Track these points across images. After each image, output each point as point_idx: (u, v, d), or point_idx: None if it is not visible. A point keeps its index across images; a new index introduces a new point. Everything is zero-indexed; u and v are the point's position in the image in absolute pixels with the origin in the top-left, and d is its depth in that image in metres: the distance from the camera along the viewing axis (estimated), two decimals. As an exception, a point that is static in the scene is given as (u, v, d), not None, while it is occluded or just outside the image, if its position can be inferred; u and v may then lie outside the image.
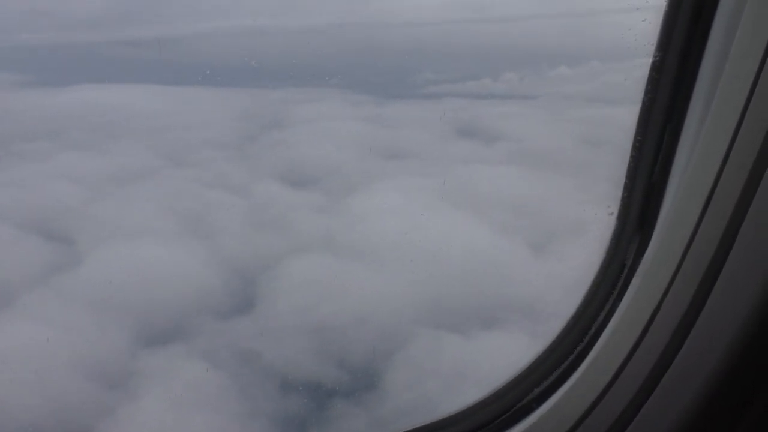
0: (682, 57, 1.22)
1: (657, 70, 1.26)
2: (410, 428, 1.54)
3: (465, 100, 52.96)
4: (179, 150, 31.54)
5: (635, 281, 1.29)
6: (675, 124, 1.25)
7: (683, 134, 1.24)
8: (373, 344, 12.81)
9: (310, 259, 16.21)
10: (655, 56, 1.25)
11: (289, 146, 32.64)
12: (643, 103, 1.33)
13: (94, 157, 28.30)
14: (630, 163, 1.39)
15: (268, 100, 49.89)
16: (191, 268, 16.61)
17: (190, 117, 43.49)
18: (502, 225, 18.22)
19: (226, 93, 54.22)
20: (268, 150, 32.13)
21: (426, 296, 14.23)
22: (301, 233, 18.47)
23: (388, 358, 12.28)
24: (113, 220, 19.30)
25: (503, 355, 11.76)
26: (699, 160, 1.07)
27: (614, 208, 1.45)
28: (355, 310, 13.87)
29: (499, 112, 40.35)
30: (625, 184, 1.41)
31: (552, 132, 32.05)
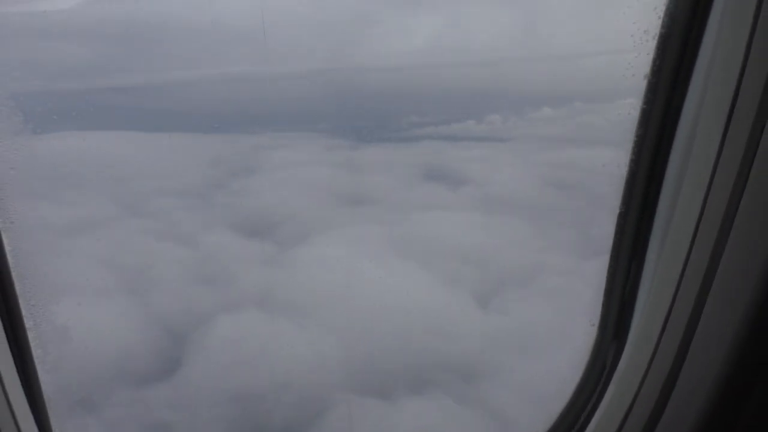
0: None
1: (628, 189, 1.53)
2: None
3: (442, 143, 52.89)
4: (140, 199, 30.97)
5: (612, 384, 1.61)
6: (639, 259, 1.52)
7: (646, 265, 1.50)
8: (292, 413, 11.84)
9: (244, 317, 15.33)
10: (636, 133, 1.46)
11: (252, 193, 32.11)
12: (615, 238, 1.60)
13: (46, 207, 27.55)
14: (606, 286, 1.68)
15: (242, 147, 49.68)
16: (117, 328, 15.67)
17: (161, 164, 43.06)
18: (451, 276, 17.45)
19: (203, 140, 53.97)
20: (230, 198, 31.56)
21: (356, 357, 13.32)
22: (240, 287, 17.62)
23: (304, 428, 11.31)
24: (44, 274, 18.40)
25: (425, 423, 10.87)
26: (657, 285, 1.34)
27: (595, 321, 1.73)
28: (279, 374, 12.95)
29: (472, 155, 40.09)
30: (603, 301, 1.71)
31: (519, 175, 31.63)
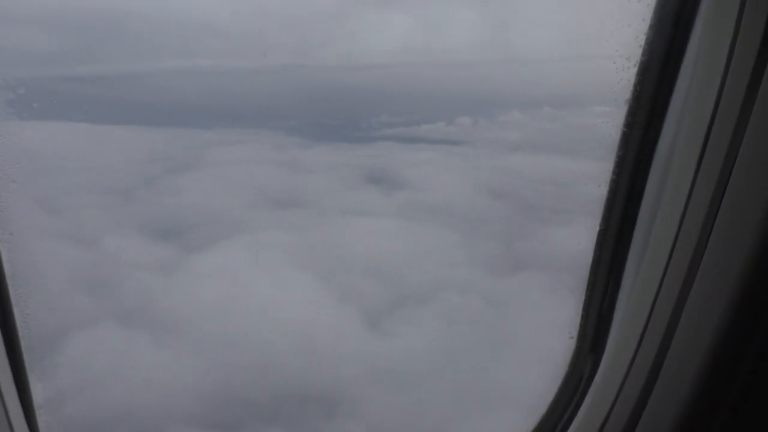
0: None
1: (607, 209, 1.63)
2: None
3: (399, 144, 51.63)
4: (58, 194, 29.27)
5: (589, 395, 1.70)
6: (616, 276, 1.60)
7: (623, 280, 1.58)
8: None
9: (100, 332, 13.80)
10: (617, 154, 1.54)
11: (180, 192, 30.49)
12: (594, 253, 1.66)
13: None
14: (585, 300, 1.73)
15: (192, 141, 48.01)
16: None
17: (99, 158, 41.20)
18: (348, 291, 16.12)
19: (155, 133, 52.20)
20: (155, 196, 29.93)
21: (212, 383, 11.90)
22: (122, 296, 16.08)
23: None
24: None
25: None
26: (635, 299, 1.40)
27: (574, 332, 1.78)
28: (125, 401, 11.48)
29: (424, 158, 38.90)
30: (582, 314, 1.75)
31: (461, 181, 30.46)
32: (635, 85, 1.44)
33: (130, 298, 15.72)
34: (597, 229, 1.68)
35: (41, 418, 2.28)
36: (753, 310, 1.01)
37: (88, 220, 24.61)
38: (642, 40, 1.41)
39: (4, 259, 1.97)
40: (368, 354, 13.26)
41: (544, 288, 16.42)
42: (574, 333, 1.81)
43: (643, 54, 1.41)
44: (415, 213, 24.81)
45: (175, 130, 56.36)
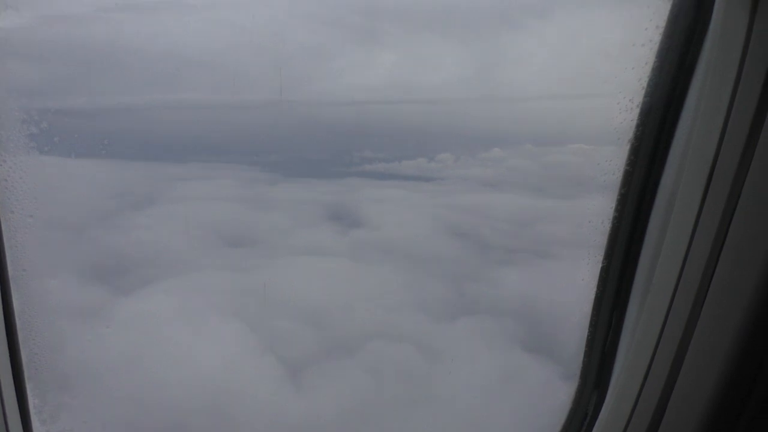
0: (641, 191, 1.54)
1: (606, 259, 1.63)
2: None
3: (368, 181, 51.08)
4: (9, 232, 28.06)
5: (595, 430, 1.66)
6: (620, 313, 1.61)
7: (626, 317, 1.59)
8: None
9: None
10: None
11: (133, 229, 29.55)
12: (597, 290, 1.67)
13: None
14: (588, 336, 1.74)
15: (159, 176, 47.22)
16: None
17: (58, 193, 40.18)
18: (274, 340, 15.13)
19: (122, 167, 51.35)
20: (107, 233, 28.94)
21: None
22: (30, 344, 14.94)
23: None
24: None
25: None
26: (639, 336, 1.39)
27: (577, 370, 1.78)
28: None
29: (388, 195, 38.30)
30: (585, 351, 1.77)
31: (421, 220, 29.73)
32: (637, 126, 1.46)
33: (37, 347, 14.64)
34: (599, 265, 1.65)
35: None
36: (760, 345, 1.01)
37: (28, 258, 23.43)
38: (645, 82, 1.44)
39: None
40: (281, 412, 12.23)
41: (482, 335, 15.55)
42: (578, 370, 1.79)
43: (646, 95, 1.44)
44: (367, 253, 23.99)
45: (147, 164, 55.66)
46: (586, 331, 1.77)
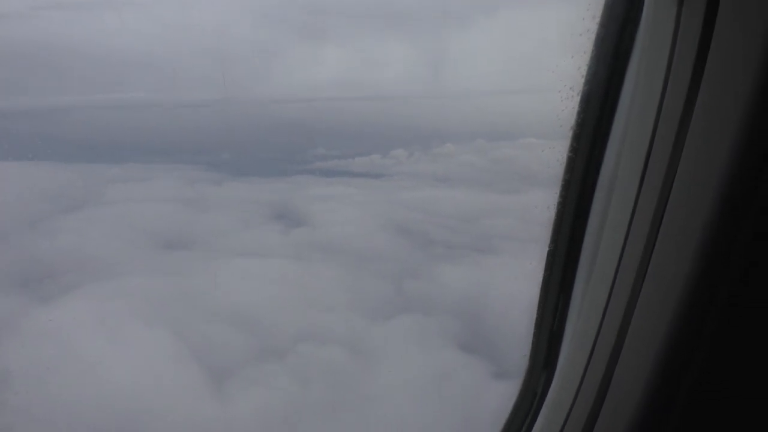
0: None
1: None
2: None
3: (315, 179, 50.38)
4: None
5: (543, 410, 1.78)
6: (566, 294, 1.69)
7: (572, 299, 1.67)
8: None
9: None
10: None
11: (63, 233, 28.08)
12: (544, 273, 1.72)
13: None
14: (536, 318, 1.78)
15: (98, 178, 45.29)
16: None
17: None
18: (202, 345, 14.43)
19: (60, 169, 49.05)
20: (33, 239, 27.40)
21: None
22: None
23: None
24: None
25: None
26: (583, 316, 1.47)
27: (526, 351, 1.85)
28: None
29: (335, 193, 37.75)
30: (534, 332, 1.81)
31: (366, 217, 29.31)
32: (578, 113, 1.53)
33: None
34: (545, 249, 1.73)
35: None
36: (696, 322, 1.09)
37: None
38: (584, 70, 1.50)
39: None
40: (203, 421, 11.59)
41: (416, 333, 15.25)
42: (527, 352, 1.89)
43: (586, 83, 1.50)
44: (307, 253, 23.42)
45: (86, 166, 53.38)
46: (535, 313, 1.84)
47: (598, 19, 1.46)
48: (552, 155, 1.64)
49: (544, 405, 1.80)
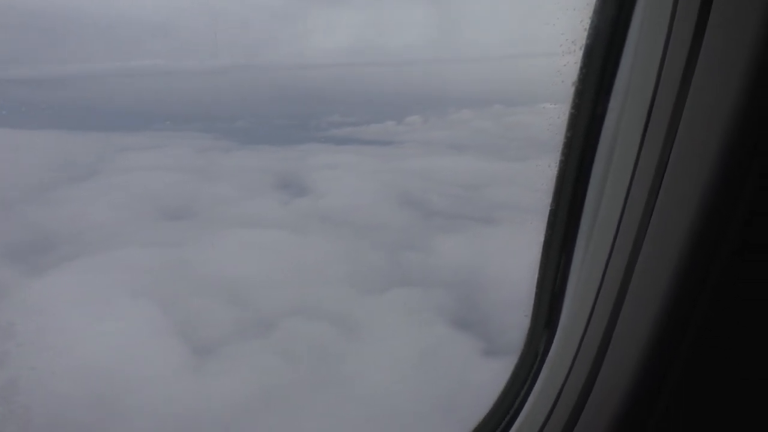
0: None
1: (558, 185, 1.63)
2: None
3: (324, 146, 49.82)
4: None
5: (545, 368, 1.78)
6: (567, 253, 1.66)
7: (574, 257, 1.64)
8: None
9: None
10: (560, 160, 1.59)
11: (69, 202, 28.05)
12: (546, 233, 1.70)
13: None
14: (538, 278, 1.77)
15: (109, 146, 45.27)
16: None
17: (5, 165, 38.16)
18: (187, 321, 14.22)
19: (70, 137, 49.20)
20: (36, 209, 27.40)
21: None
22: None
23: None
24: None
25: None
26: (584, 275, 1.49)
27: (528, 311, 1.84)
28: None
29: (343, 161, 37.18)
30: (535, 292, 1.81)
31: (371, 186, 28.76)
32: (581, 68, 1.48)
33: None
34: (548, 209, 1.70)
35: None
36: (699, 272, 1.06)
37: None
38: (587, 23, 1.45)
39: None
40: (182, 399, 11.40)
41: (408, 307, 14.83)
42: (529, 312, 1.87)
43: (588, 37, 1.46)
44: (307, 223, 23.03)
45: (97, 134, 53.44)
46: (536, 273, 1.82)
47: None
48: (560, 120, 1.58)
49: (545, 363, 1.80)
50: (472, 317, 14.40)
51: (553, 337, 1.77)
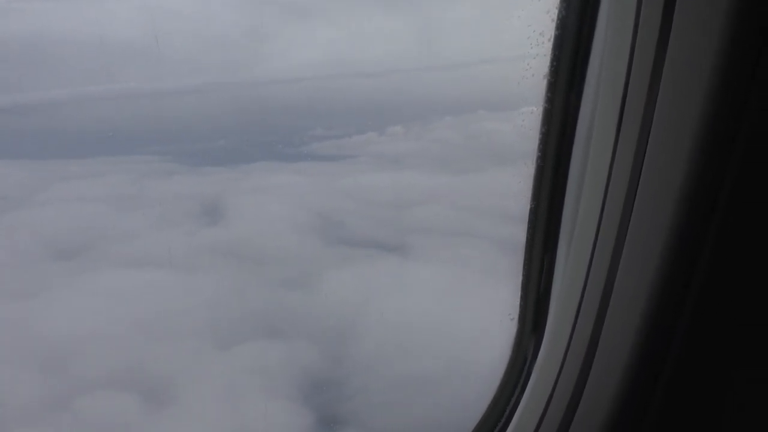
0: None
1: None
2: None
3: (273, 164, 47.70)
4: None
5: (533, 374, 1.71)
6: (551, 254, 1.59)
7: (557, 258, 1.57)
8: None
9: None
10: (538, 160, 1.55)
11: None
12: (527, 233, 1.63)
13: None
14: (522, 281, 1.71)
15: (52, 175, 43.20)
16: None
17: None
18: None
19: (9, 166, 47.08)
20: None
21: None
22: None
23: None
24: None
25: None
26: (568, 277, 1.42)
27: (514, 314, 1.78)
28: None
29: (280, 181, 34.95)
30: (520, 295, 1.75)
31: (290, 211, 26.47)
32: (552, 61, 1.42)
33: None
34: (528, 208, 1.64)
35: None
36: (682, 272, 1.02)
37: None
38: (554, 14, 1.39)
39: None
40: None
41: (253, 366, 12.46)
42: (515, 315, 1.77)
43: (557, 28, 1.39)
44: (200, 259, 20.75)
45: (45, 162, 51.38)
46: (521, 275, 1.73)
47: None
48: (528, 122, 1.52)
49: (534, 370, 1.73)
50: (327, 377, 12.07)
51: (541, 340, 1.71)
